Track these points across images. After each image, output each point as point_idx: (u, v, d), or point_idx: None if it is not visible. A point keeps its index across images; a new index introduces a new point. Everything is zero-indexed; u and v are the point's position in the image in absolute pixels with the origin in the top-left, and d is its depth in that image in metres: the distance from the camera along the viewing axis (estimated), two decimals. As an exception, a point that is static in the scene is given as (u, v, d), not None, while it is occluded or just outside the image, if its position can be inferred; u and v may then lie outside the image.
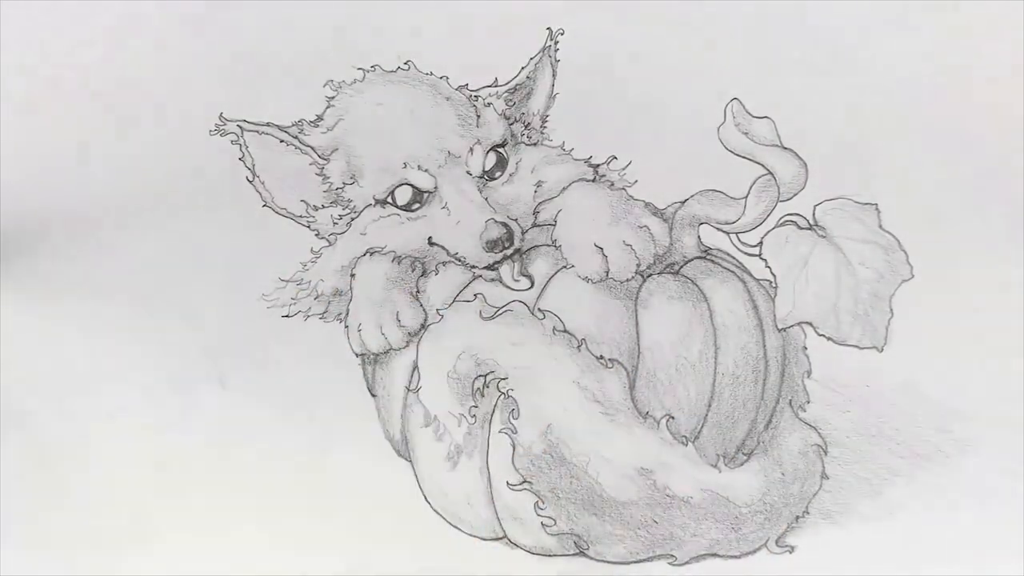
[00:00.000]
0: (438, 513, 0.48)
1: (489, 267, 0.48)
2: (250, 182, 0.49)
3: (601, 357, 0.47)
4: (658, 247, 0.48)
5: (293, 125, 0.49)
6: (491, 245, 0.47)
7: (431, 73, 0.49)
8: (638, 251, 0.47)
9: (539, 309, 0.47)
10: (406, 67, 0.49)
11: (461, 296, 0.48)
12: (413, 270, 0.49)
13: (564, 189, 0.48)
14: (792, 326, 0.47)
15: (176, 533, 0.47)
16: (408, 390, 0.48)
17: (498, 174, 0.49)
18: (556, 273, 0.48)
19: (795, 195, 0.48)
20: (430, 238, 0.48)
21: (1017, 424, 0.47)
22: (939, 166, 0.47)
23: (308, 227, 0.49)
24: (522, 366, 0.47)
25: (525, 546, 0.48)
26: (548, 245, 0.48)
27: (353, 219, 0.49)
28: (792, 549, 0.47)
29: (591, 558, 0.47)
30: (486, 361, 0.47)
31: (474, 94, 0.49)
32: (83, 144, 0.49)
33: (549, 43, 0.49)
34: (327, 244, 0.49)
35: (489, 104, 0.49)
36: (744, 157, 0.48)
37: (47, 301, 0.48)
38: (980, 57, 0.47)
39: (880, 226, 0.47)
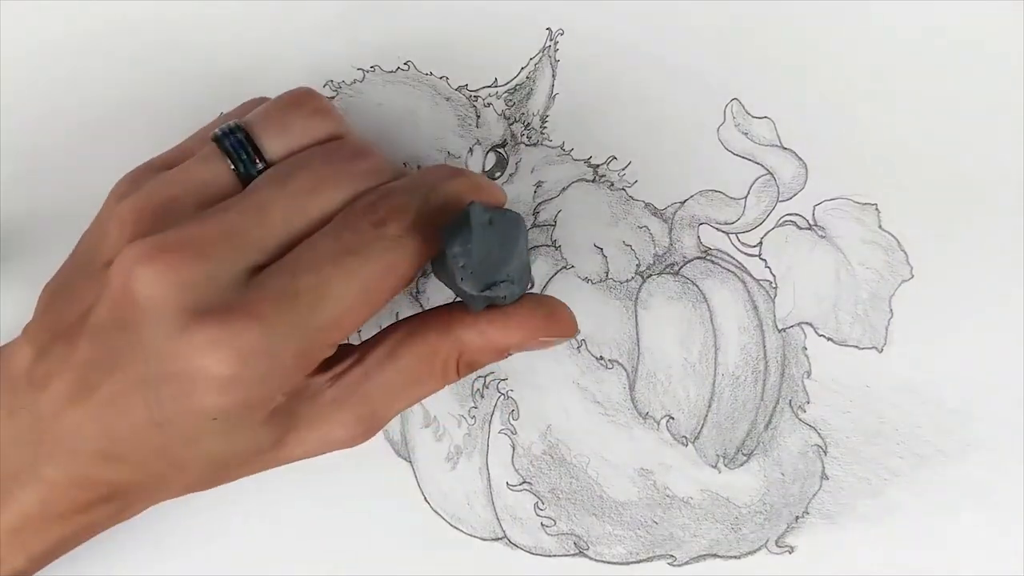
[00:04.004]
0: (438, 513, 0.48)
1: (489, 267, 0.48)
2: (250, 182, 0.49)
3: (601, 358, 0.47)
4: (658, 247, 0.48)
5: (293, 125, 0.49)
6: (491, 245, 0.47)
7: (431, 73, 0.49)
8: (638, 251, 0.47)
9: (539, 309, 0.47)
10: (406, 67, 0.49)
11: (461, 297, 0.48)
12: (413, 270, 0.49)
13: (564, 189, 0.48)
14: (792, 326, 0.47)
15: (175, 533, 0.47)
16: (408, 390, 0.48)
17: (498, 174, 0.49)
18: (556, 273, 0.48)
19: (795, 195, 0.48)
20: (430, 238, 0.48)
21: (1017, 424, 0.47)
22: (939, 166, 0.47)
23: (308, 227, 0.49)
24: (522, 367, 0.47)
25: (525, 546, 0.48)
26: (548, 245, 0.48)
27: (353, 219, 0.49)
28: (792, 549, 0.47)
29: (591, 558, 0.47)
30: (486, 361, 0.47)
31: (474, 94, 0.49)
32: (83, 144, 0.49)
33: (549, 43, 0.49)
34: (327, 244, 0.49)
35: (489, 104, 0.49)
36: (744, 157, 0.48)
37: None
38: (980, 57, 0.47)
39: (880, 226, 0.47)
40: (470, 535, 0.48)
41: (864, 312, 0.47)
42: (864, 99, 0.48)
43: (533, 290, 0.48)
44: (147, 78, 0.49)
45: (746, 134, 0.48)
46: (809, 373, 0.48)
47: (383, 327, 0.47)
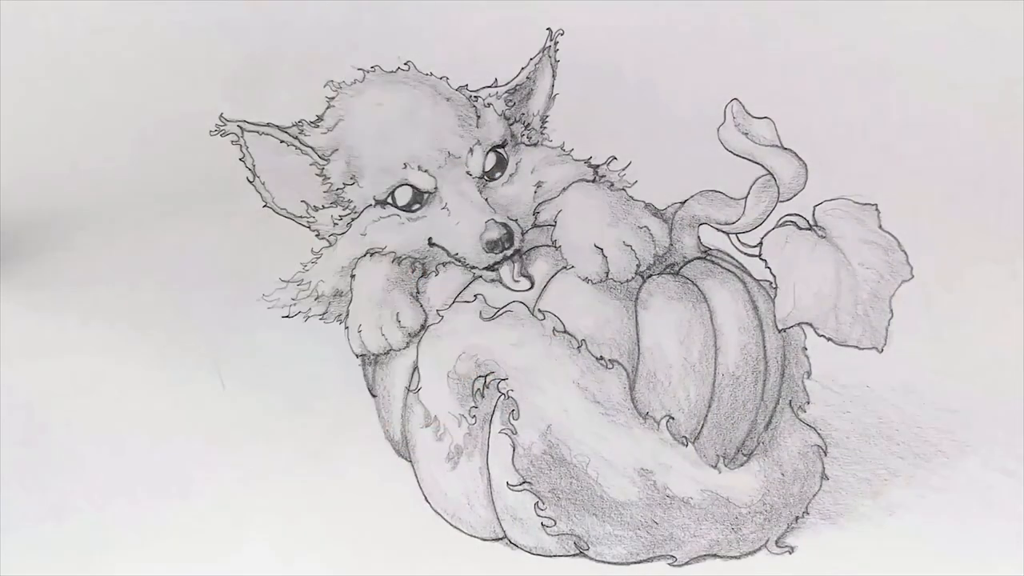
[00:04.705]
0: (438, 513, 0.48)
1: (489, 268, 0.48)
2: (250, 182, 0.49)
3: (601, 358, 0.47)
4: (658, 248, 0.48)
5: (293, 125, 0.49)
6: (491, 246, 0.47)
7: (431, 73, 0.49)
8: (638, 252, 0.47)
9: (539, 310, 0.47)
10: (406, 67, 0.49)
11: (461, 297, 0.48)
12: (413, 271, 0.49)
13: (564, 189, 0.48)
14: (792, 326, 0.47)
15: (175, 533, 0.48)
16: (408, 390, 0.48)
17: (498, 174, 0.49)
18: (556, 274, 0.48)
19: (795, 195, 0.48)
20: (430, 239, 0.48)
21: (1017, 424, 0.47)
22: (939, 166, 0.47)
23: (308, 227, 0.49)
24: (522, 367, 0.47)
25: (525, 546, 0.48)
26: (548, 246, 0.48)
27: (353, 220, 0.49)
28: (792, 550, 0.47)
29: (591, 558, 0.47)
30: (486, 362, 0.47)
31: (474, 94, 0.49)
32: (83, 144, 0.49)
33: (549, 43, 0.49)
34: (327, 245, 0.49)
35: (489, 104, 0.49)
36: (744, 157, 0.48)
37: (47, 301, 0.48)
38: (980, 57, 0.47)
39: (880, 226, 0.47)
40: (470, 535, 0.48)
41: (864, 312, 0.47)
42: (864, 99, 0.48)
43: (533, 290, 0.48)
44: (148, 78, 0.49)
45: (746, 134, 0.48)
46: (809, 373, 0.48)
47: (383, 328, 0.48)
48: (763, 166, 0.48)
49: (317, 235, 0.49)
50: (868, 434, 0.47)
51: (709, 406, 0.47)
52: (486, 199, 0.48)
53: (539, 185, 0.49)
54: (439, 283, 0.48)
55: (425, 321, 0.48)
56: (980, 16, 0.47)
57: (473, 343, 0.47)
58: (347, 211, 0.49)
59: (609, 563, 0.47)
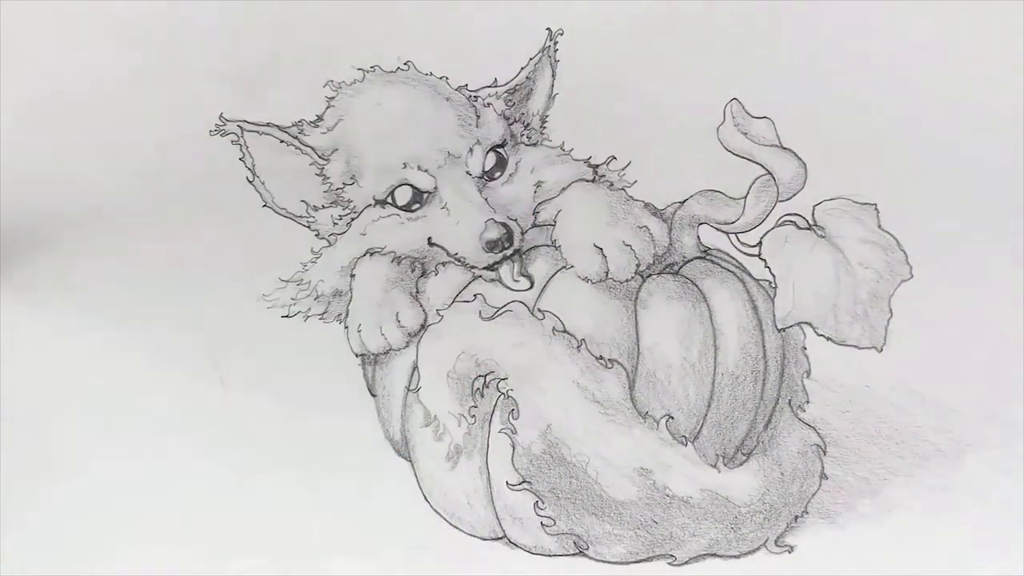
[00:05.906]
0: (438, 513, 0.48)
1: (489, 267, 0.48)
2: (250, 182, 0.49)
3: (601, 357, 0.47)
4: (657, 247, 0.48)
5: (293, 125, 0.49)
6: (491, 245, 0.47)
7: (431, 73, 0.49)
8: (638, 251, 0.47)
9: (539, 309, 0.47)
10: (406, 67, 0.49)
11: (461, 296, 0.48)
12: (413, 271, 0.49)
13: (564, 189, 0.48)
14: (791, 326, 0.47)
15: (175, 533, 0.48)
16: (408, 390, 0.48)
17: (498, 174, 0.49)
18: (556, 273, 0.48)
19: (794, 195, 0.48)
20: (430, 238, 0.48)
21: (1017, 424, 0.47)
22: (939, 165, 0.47)
23: (308, 227, 0.49)
24: (522, 366, 0.47)
25: (525, 546, 0.48)
26: (548, 245, 0.48)
27: (353, 219, 0.49)
28: (791, 549, 0.47)
29: (591, 558, 0.47)
30: (486, 361, 0.47)
31: (474, 94, 0.49)
32: (83, 144, 0.49)
33: (549, 43, 0.49)
34: (327, 244, 0.49)
35: (489, 104, 0.49)
36: (744, 157, 0.48)
37: (47, 301, 0.48)
38: (980, 57, 0.47)
39: (880, 226, 0.47)
40: (470, 535, 0.48)
41: (864, 312, 0.47)
42: (864, 99, 0.48)
43: (533, 290, 0.48)
44: (148, 79, 0.49)
45: (746, 134, 0.48)
46: (809, 373, 0.48)
47: (383, 328, 0.48)
48: (763, 166, 0.48)
49: (317, 235, 0.49)
50: (868, 434, 0.47)
51: (709, 405, 0.47)
52: (486, 199, 0.48)
53: (539, 185, 0.49)
54: (439, 283, 0.48)
55: (425, 321, 0.48)
56: (980, 16, 0.47)
57: (473, 342, 0.47)
58: (347, 211, 0.49)
59: (609, 562, 0.47)
